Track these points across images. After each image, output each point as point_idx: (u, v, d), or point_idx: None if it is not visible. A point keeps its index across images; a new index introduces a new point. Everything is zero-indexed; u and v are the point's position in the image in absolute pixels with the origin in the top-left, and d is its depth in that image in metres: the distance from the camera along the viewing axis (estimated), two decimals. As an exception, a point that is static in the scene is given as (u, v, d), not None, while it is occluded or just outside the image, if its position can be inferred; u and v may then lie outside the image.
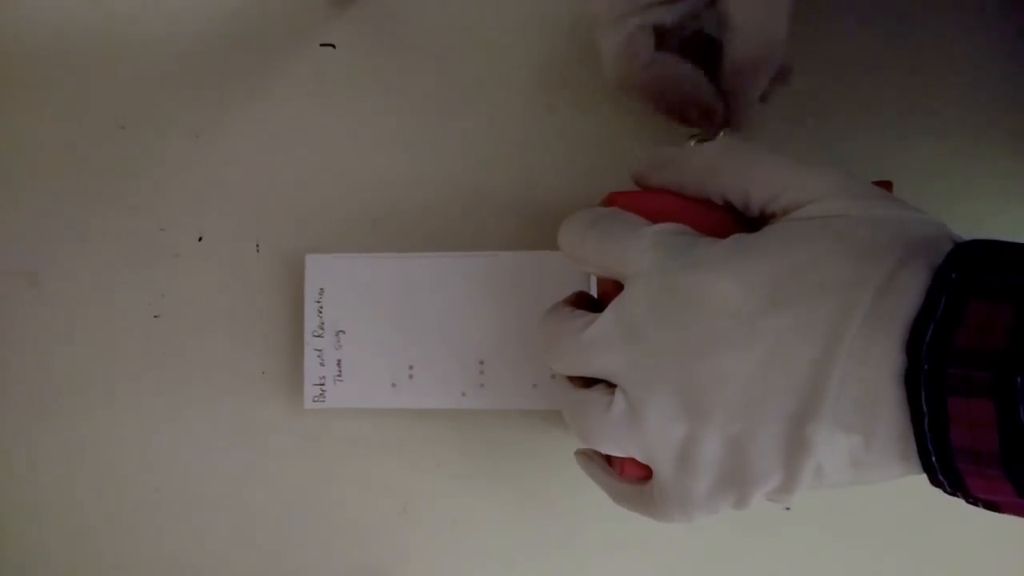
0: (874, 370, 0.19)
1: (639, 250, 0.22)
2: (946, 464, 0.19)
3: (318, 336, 0.31)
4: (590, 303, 0.25)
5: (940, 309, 0.18)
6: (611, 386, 0.23)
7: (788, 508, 0.31)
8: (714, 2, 0.26)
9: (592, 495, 0.26)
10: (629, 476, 0.24)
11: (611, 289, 0.23)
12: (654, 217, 0.23)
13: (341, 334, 0.30)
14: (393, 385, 0.30)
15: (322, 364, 0.31)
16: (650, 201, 0.24)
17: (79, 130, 0.34)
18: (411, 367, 0.30)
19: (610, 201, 0.24)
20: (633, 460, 0.23)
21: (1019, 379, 0.17)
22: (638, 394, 0.21)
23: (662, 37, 0.27)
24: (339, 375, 0.30)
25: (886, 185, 0.23)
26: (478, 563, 0.32)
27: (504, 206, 0.32)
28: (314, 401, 0.31)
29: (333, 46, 0.33)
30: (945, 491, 0.20)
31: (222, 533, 0.33)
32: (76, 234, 0.34)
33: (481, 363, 0.30)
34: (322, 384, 0.31)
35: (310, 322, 0.31)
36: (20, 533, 0.34)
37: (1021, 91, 0.30)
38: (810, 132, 0.31)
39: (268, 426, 0.33)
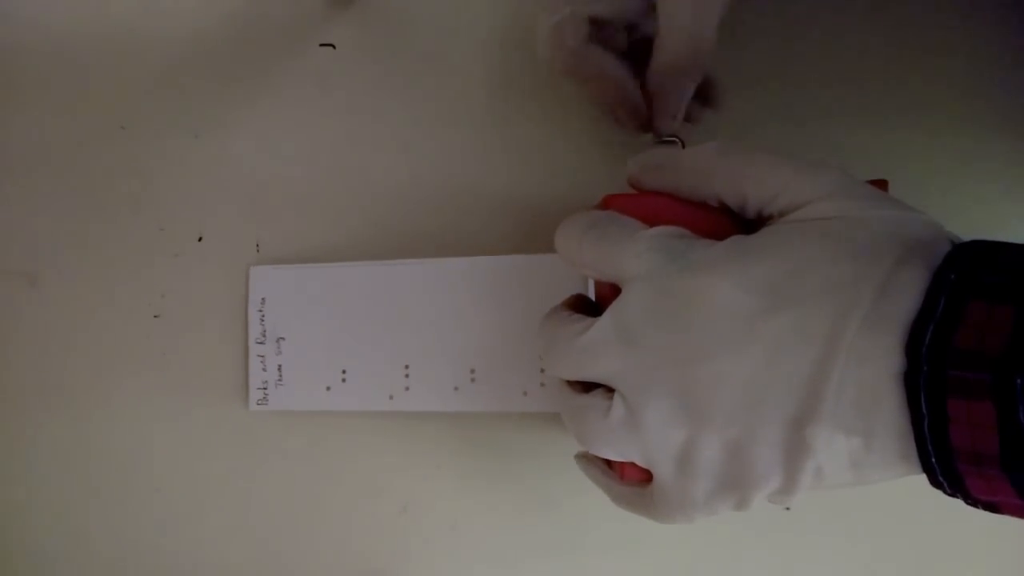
0: (873, 371, 0.19)
1: (636, 253, 0.22)
2: (946, 465, 0.18)
3: (260, 343, 0.32)
4: (588, 306, 0.25)
5: (939, 310, 0.18)
6: (610, 390, 0.22)
7: (788, 508, 0.31)
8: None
9: (592, 495, 0.26)
10: (630, 479, 0.24)
11: (609, 292, 0.23)
12: (650, 220, 0.23)
13: (281, 341, 0.32)
14: (328, 388, 0.32)
15: (264, 369, 0.32)
16: (646, 204, 0.24)
17: (79, 130, 0.34)
18: (344, 372, 0.32)
19: (606, 204, 0.24)
20: (633, 464, 0.23)
21: (1019, 380, 0.16)
22: (637, 398, 0.21)
23: (608, 33, 0.27)
24: (280, 379, 0.32)
25: (881, 184, 0.23)
26: (478, 563, 0.32)
27: (502, 208, 0.32)
28: (257, 404, 0.32)
29: (333, 46, 0.33)
30: (945, 492, 0.20)
31: (222, 533, 0.33)
32: (76, 234, 0.34)
33: (406, 367, 0.31)
34: (264, 388, 0.32)
35: (253, 330, 0.32)
36: (19, 532, 0.34)
37: (1020, 91, 0.30)
38: (807, 131, 0.31)
39: (268, 426, 0.33)
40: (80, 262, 0.34)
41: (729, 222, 0.23)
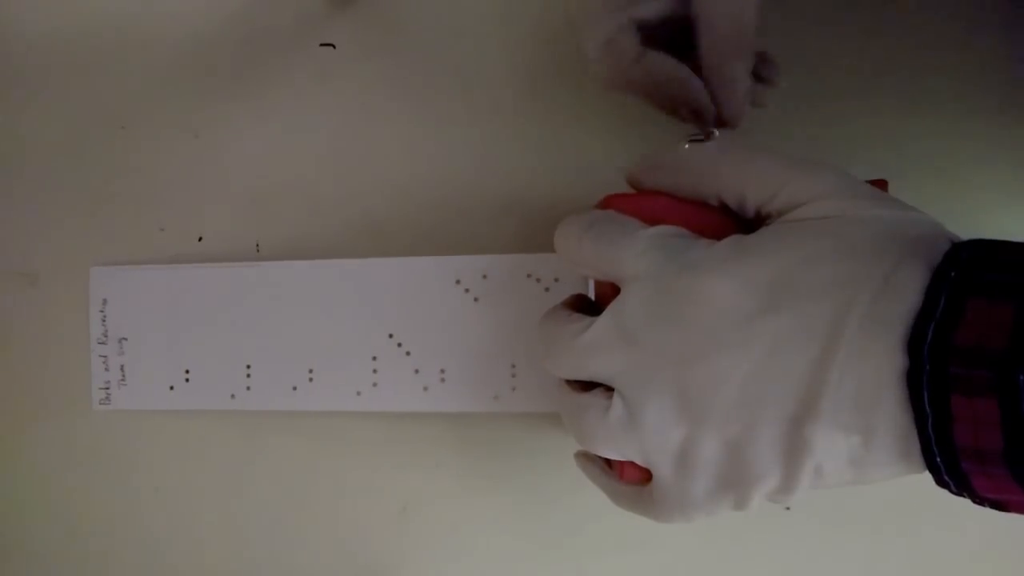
0: (873, 370, 0.19)
1: (635, 253, 0.22)
2: (951, 464, 0.18)
3: (102, 343, 0.33)
4: (588, 306, 0.25)
5: (940, 308, 0.18)
6: (609, 389, 0.22)
7: (788, 508, 0.31)
8: None
9: (591, 495, 0.26)
10: (629, 479, 0.24)
11: (608, 292, 0.23)
12: (650, 219, 0.23)
13: (124, 341, 0.32)
14: (171, 388, 0.32)
15: (107, 369, 0.33)
16: (646, 203, 0.24)
17: (79, 130, 0.34)
18: (187, 371, 0.32)
19: (606, 204, 0.24)
20: (633, 463, 0.23)
21: (1021, 377, 0.16)
22: (636, 397, 0.21)
23: (649, 31, 0.26)
24: (123, 379, 0.33)
25: (881, 184, 0.23)
26: (478, 563, 0.32)
27: (503, 208, 0.32)
28: (100, 403, 0.33)
29: (333, 46, 0.33)
30: (952, 491, 0.20)
31: (221, 533, 0.33)
32: (76, 234, 0.34)
33: (248, 367, 0.32)
34: (107, 388, 0.33)
35: (95, 330, 0.33)
36: (19, 533, 0.34)
37: (1020, 90, 0.30)
38: (806, 131, 0.31)
39: (270, 424, 0.33)
40: (80, 262, 0.34)
41: (729, 222, 0.23)
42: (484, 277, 0.30)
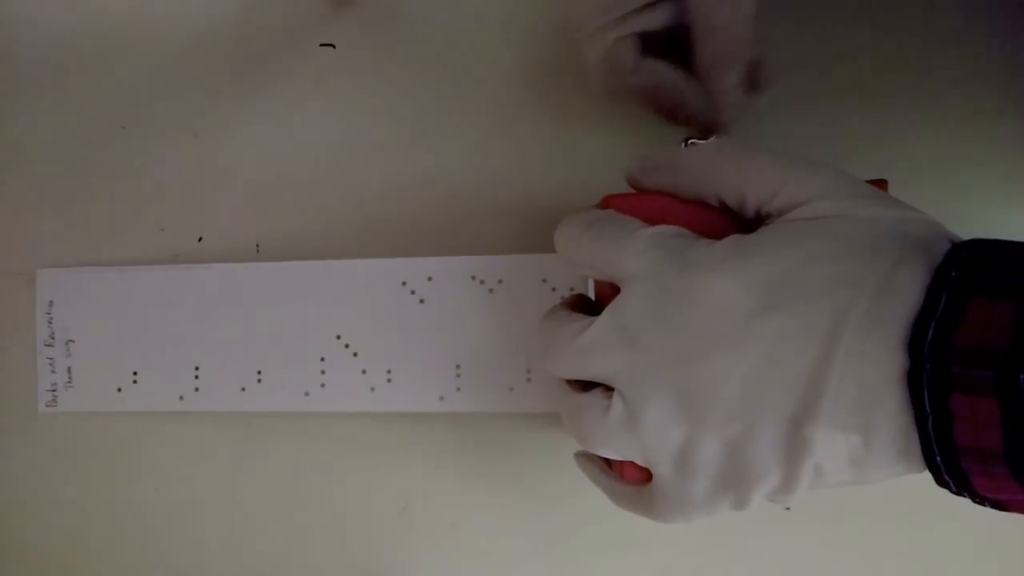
0: (873, 370, 0.19)
1: (635, 252, 0.22)
2: (951, 464, 0.18)
3: (49, 345, 0.33)
4: (588, 306, 0.25)
5: (940, 308, 0.18)
6: (609, 389, 0.22)
7: (788, 508, 0.31)
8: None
9: (591, 495, 0.26)
10: (629, 479, 0.24)
11: (609, 291, 0.23)
12: (650, 219, 0.23)
13: (71, 343, 0.33)
14: (119, 390, 0.32)
15: (53, 372, 0.33)
16: (646, 203, 0.24)
17: (79, 130, 0.34)
18: (135, 373, 0.32)
19: (606, 204, 0.24)
20: (633, 463, 0.23)
21: (1022, 377, 0.16)
22: (636, 397, 0.21)
23: (648, 40, 0.26)
24: (69, 381, 0.33)
25: (881, 183, 0.23)
26: (478, 563, 0.32)
27: (503, 208, 0.32)
28: (47, 405, 0.33)
29: (333, 46, 0.33)
30: (952, 491, 0.20)
31: (221, 533, 0.33)
32: (76, 234, 0.34)
33: (196, 369, 0.32)
34: (54, 390, 0.33)
35: (41, 332, 0.33)
36: (20, 533, 0.34)
37: (1020, 90, 0.30)
38: (806, 130, 0.31)
39: (269, 425, 0.33)
40: (80, 262, 0.34)
41: (728, 221, 0.23)
42: (429, 279, 0.31)
